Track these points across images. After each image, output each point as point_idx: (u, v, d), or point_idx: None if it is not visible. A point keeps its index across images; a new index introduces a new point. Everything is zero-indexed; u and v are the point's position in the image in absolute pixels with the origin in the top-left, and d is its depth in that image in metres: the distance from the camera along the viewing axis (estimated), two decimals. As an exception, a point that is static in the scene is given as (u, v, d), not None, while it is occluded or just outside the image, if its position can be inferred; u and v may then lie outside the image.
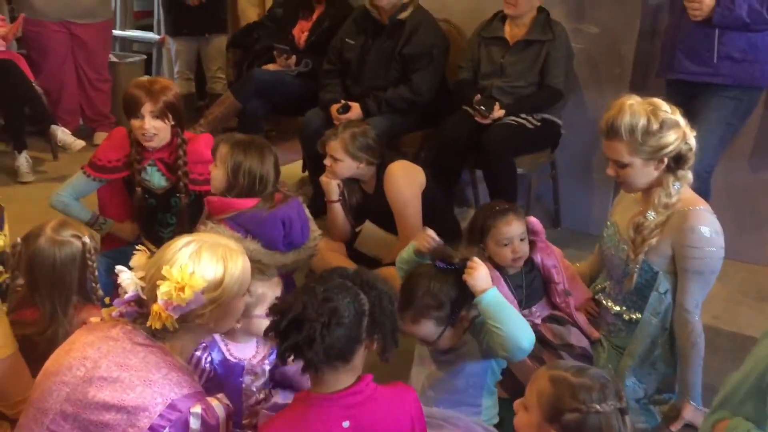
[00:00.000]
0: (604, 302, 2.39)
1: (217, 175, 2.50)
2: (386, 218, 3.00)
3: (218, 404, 1.50)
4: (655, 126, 2.09)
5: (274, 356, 1.92)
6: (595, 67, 3.60)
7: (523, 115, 3.38)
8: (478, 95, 3.40)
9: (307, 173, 4.18)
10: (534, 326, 2.26)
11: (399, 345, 1.56)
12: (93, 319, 1.63)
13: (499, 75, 3.45)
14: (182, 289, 1.48)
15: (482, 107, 3.35)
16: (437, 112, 3.63)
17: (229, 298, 1.56)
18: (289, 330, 1.45)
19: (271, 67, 4.13)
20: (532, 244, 2.36)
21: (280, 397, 1.89)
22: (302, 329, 1.43)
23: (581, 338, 2.31)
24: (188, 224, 2.82)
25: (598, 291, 2.44)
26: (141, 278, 1.55)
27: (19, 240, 1.98)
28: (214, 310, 1.54)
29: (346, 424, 1.47)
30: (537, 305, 2.38)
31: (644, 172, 2.15)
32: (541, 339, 2.27)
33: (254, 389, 1.92)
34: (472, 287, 1.87)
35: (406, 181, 2.96)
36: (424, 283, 1.91)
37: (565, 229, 3.77)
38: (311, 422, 1.48)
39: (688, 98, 3.04)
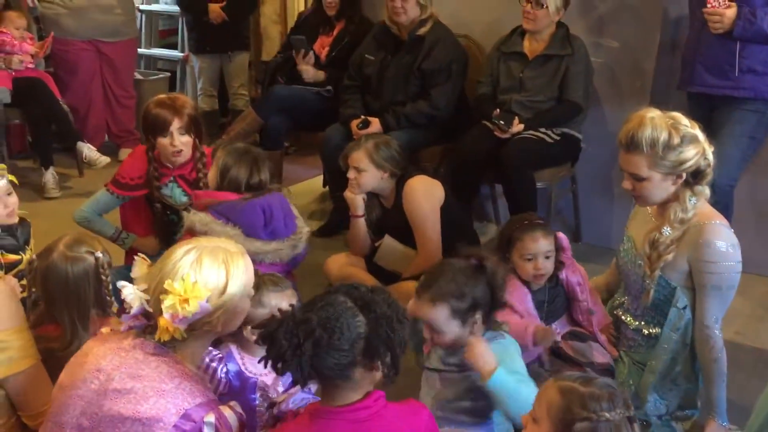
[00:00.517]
0: (623, 317, 2.36)
1: (210, 175, 2.63)
2: (405, 232, 3.01)
3: (231, 413, 1.50)
4: (676, 140, 2.06)
5: (287, 379, 1.92)
6: (615, 82, 3.59)
7: (543, 130, 3.38)
8: (497, 110, 3.41)
9: (327, 188, 4.21)
10: (554, 343, 2.25)
11: (404, 368, 1.52)
12: (104, 330, 1.64)
13: (518, 90, 3.45)
14: (186, 301, 1.47)
15: (501, 122, 3.35)
16: (456, 126, 3.64)
17: (234, 302, 1.56)
18: (265, 344, 1.46)
19: (303, 68, 4.06)
20: (560, 264, 2.33)
21: (299, 398, 1.87)
22: (273, 347, 1.44)
23: (603, 354, 2.28)
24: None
25: (617, 306, 2.42)
26: (144, 291, 1.54)
27: (34, 256, 2.00)
28: (221, 315, 1.54)
29: None
30: (557, 322, 2.36)
31: (662, 187, 2.12)
32: (564, 356, 2.25)
33: (265, 408, 1.92)
34: (476, 368, 1.82)
35: (425, 195, 2.97)
36: (452, 271, 1.89)
37: (586, 244, 3.74)
38: None
39: (710, 111, 3.02)
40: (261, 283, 1.93)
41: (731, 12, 2.83)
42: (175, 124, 2.75)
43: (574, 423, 1.39)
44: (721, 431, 2.18)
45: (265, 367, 1.47)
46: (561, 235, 2.36)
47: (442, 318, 1.87)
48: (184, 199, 2.91)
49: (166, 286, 1.48)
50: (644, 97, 3.46)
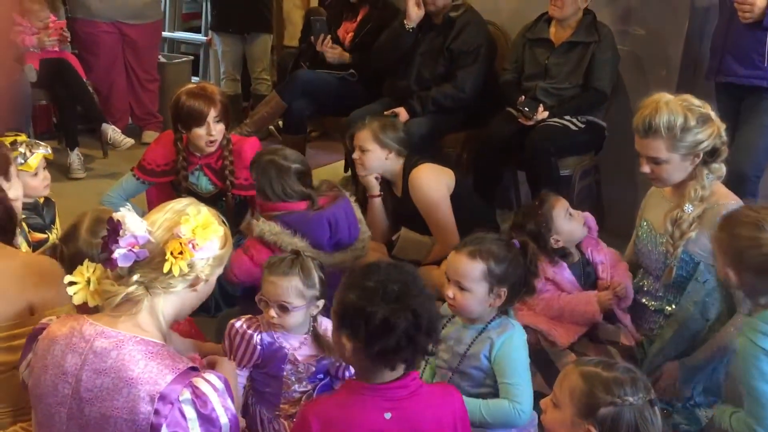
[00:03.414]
0: (643, 300, 2.39)
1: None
2: (420, 220, 3.00)
3: (206, 385, 1.41)
4: (692, 122, 2.13)
5: (324, 362, 1.97)
6: (641, 70, 3.56)
7: (568, 117, 3.37)
8: (522, 96, 3.40)
9: (350, 173, 4.22)
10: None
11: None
12: (46, 320, 1.54)
13: (543, 77, 3.44)
14: (204, 230, 1.45)
15: (526, 109, 3.35)
16: (481, 113, 3.64)
17: (222, 264, 1.54)
18: (349, 321, 1.49)
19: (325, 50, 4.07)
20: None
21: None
22: (390, 335, 1.46)
23: (629, 338, 2.31)
24: (234, 227, 2.86)
25: (636, 291, 2.43)
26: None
27: (57, 241, 1.99)
28: (209, 273, 1.50)
29: (387, 415, 1.49)
30: None
31: (681, 168, 2.18)
32: (590, 335, 2.30)
33: (293, 379, 1.96)
34: None
35: (432, 184, 2.95)
36: (497, 239, 1.93)
37: (609, 231, 3.71)
38: (353, 409, 1.51)
39: (738, 101, 3.01)
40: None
41: (762, 1, 2.81)
42: (212, 114, 2.76)
43: (598, 408, 1.41)
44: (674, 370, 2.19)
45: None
46: (588, 214, 2.43)
47: (476, 275, 1.86)
48: (210, 187, 2.92)
49: (188, 211, 1.46)
50: (670, 86, 3.42)
